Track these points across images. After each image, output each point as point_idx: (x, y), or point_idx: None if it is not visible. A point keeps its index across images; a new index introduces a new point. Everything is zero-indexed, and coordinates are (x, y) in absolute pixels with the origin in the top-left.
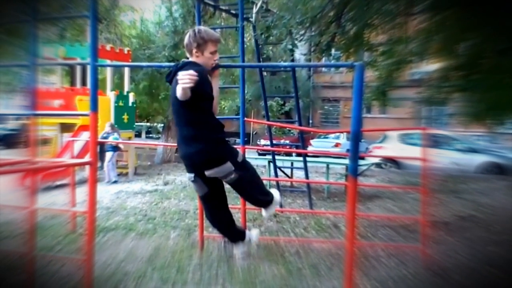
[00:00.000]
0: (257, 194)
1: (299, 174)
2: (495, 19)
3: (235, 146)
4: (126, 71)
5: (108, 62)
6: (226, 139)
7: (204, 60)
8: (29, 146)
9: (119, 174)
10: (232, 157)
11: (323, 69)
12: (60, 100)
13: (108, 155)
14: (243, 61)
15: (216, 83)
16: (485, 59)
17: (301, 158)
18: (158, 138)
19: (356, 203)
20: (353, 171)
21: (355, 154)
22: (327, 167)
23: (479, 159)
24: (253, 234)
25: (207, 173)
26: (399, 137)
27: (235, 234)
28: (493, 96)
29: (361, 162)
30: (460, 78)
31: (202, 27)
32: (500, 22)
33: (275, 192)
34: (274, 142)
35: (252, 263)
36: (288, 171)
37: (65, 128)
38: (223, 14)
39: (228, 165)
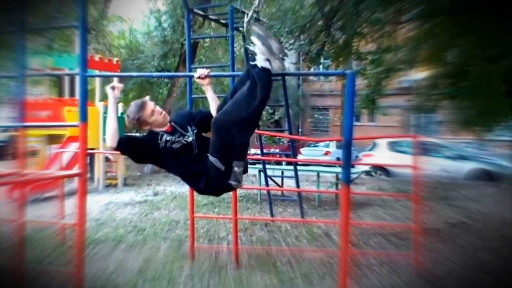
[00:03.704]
0: (250, 105)
1: (289, 183)
2: (483, 26)
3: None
4: (115, 81)
5: (97, 72)
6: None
7: (154, 126)
8: (17, 158)
9: (108, 185)
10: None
11: (313, 77)
12: (48, 111)
13: None
14: (233, 70)
15: (210, 92)
16: (473, 66)
17: (291, 167)
18: None
19: (349, 210)
20: (346, 179)
21: (348, 162)
22: (318, 176)
23: (468, 166)
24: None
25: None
26: (389, 145)
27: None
28: (481, 103)
29: (351, 170)
30: (449, 85)
31: (128, 112)
32: (488, 29)
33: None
34: (264, 151)
35: (244, 273)
36: (278, 180)
37: (53, 139)
38: (213, 23)
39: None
